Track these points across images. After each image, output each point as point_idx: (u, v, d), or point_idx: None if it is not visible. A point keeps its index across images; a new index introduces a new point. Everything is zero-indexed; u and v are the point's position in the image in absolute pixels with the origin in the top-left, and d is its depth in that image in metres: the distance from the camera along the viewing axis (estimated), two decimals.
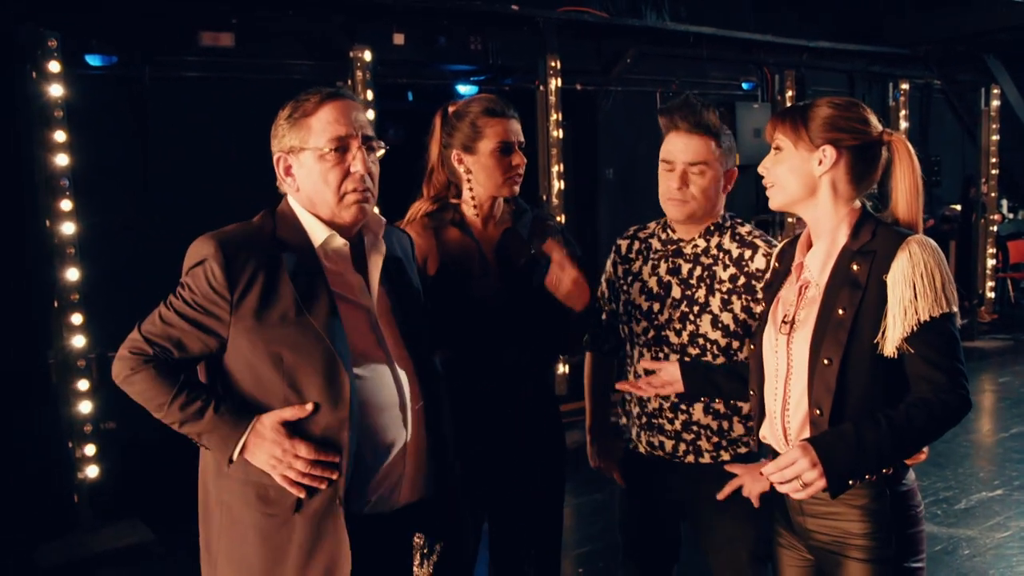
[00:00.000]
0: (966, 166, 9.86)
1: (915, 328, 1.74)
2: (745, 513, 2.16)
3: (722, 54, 7.53)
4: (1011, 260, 9.83)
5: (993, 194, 8.90)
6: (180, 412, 1.76)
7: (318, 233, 1.83)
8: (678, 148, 2.24)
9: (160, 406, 1.78)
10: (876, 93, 9.00)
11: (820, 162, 1.87)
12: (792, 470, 1.75)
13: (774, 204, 1.96)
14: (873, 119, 1.90)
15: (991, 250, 8.92)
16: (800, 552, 1.99)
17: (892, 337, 1.76)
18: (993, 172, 8.82)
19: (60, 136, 4.33)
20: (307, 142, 1.79)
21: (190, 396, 1.76)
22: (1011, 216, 10.22)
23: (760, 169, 1.97)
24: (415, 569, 2.32)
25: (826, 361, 1.81)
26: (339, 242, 1.84)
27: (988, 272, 8.92)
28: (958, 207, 9.78)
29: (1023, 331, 8.87)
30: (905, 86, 8.85)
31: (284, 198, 1.89)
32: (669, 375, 2.17)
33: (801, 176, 1.89)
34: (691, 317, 2.28)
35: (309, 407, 1.73)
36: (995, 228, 9.01)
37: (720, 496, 2.14)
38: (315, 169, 1.80)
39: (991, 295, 8.99)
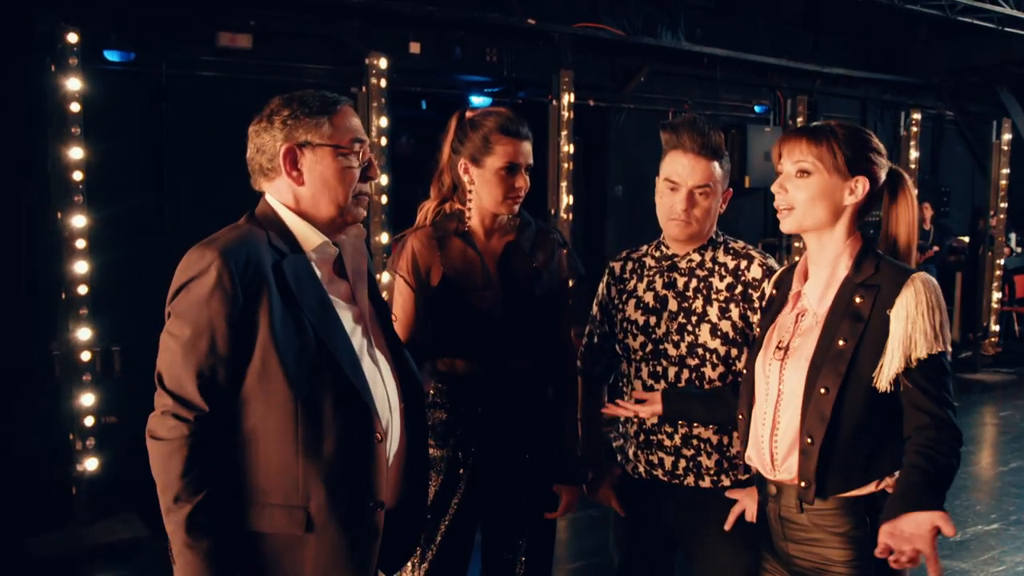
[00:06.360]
0: (975, 198, 9.85)
1: (913, 363, 1.77)
2: (743, 542, 2.16)
3: (735, 76, 7.57)
4: (1017, 294, 9.78)
5: (1002, 228, 8.89)
6: (185, 518, 1.56)
7: (311, 238, 1.77)
8: (685, 170, 2.20)
9: (174, 491, 1.57)
10: (888, 121, 9.01)
11: (851, 191, 1.85)
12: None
13: (789, 227, 1.91)
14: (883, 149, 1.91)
15: (997, 283, 8.91)
16: None
17: (888, 371, 1.78)
18: (1002, 205, 8.81)
19: (75, 129, 4.35)
20: (327, 138, 1.75)
21: (207, 509, 1.57)
22: (1019, 250, 10.18)
23: (775, 189, 1.91)
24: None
25: (823, 390, 1.82)
26: (332, 249, 1.80)
27: (994, 305, 8.91)
28: (966, 239, 9.76)
29: None
30: (917, 115, 8.86)
31: (261, 200, 1.81)
32: (651, 397, 2.23)
33: (830, 204, 1.85)
34: (689, 328, 2.27)
35: None
36: (1002, 261, 9.00)
37: (727, 527, 2.16)
38: (332, 166, 1.76)
39: (996, 328, 8.97)
